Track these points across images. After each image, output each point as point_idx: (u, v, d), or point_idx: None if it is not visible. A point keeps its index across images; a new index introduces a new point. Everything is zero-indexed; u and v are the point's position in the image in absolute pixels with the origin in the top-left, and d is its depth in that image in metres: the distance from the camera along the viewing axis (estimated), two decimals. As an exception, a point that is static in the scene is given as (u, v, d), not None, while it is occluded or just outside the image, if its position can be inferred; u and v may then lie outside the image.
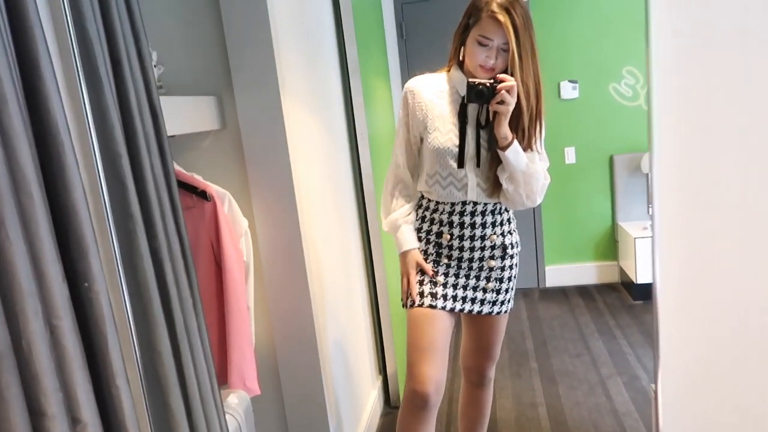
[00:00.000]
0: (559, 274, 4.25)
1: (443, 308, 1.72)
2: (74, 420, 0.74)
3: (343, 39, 2.45)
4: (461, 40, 1.65)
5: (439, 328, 1.71)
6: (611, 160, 4.02)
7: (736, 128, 1.43)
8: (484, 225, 1.72)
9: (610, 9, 3.80)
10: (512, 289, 1.82)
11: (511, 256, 1.77)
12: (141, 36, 1.04)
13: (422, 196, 1.80)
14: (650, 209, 1.52)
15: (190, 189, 1.61)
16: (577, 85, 3.96)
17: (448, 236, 1.73)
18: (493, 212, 1.73)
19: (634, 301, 3.83)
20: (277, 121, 1.71)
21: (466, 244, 1.73)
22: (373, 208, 2.60)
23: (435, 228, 1.75)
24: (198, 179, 1.64)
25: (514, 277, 1.81)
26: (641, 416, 2.50)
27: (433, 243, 1.76)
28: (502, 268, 1.76)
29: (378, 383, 2.78)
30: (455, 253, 1.74)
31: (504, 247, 1.75)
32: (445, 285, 1.74)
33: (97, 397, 0.78)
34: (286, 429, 1.90)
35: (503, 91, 1.53)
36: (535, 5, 3.81)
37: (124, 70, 0.96)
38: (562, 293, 4.13)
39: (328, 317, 2.05)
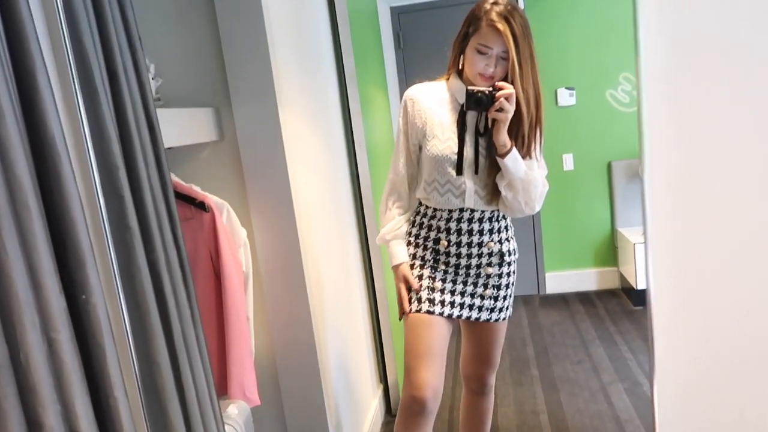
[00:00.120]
0: (559, 281, 4.25)
1: (441, 314, 1.72)
2: (72, 432, 0.74)
3: (341, 49, 2.46)
4: (460, 49, 1.66)
5: (437, 333, 1.71)
6: (609, 166, 4.03)
7: (727, 134, 1.44)
8: (481, 232, 1.73)
9: (606, 16, 3.82)
10: (510, 296, 1.82)
11: (509, 264, 1.78)
12: (137, 48, 1.04)
13: (420, 203, 1.80)
14: (643, 215, 1.52)
15: (188, 200, 1.62)
16: (574, 91, 3.97)
17: (446, 243, 1.73)
18: (490, 219, 1.73)
19: (635, 306, 3.82)
20: (274, 132, 1.71)
21: (464, 251, 1.73)
22: (372, 217, 2.61)
23: (433, 234, 1.76)
24: (196, 190, 1.64)
25: (512, 284, 1.81)
26: (643, 422, 2.49)
27: (431, 249, 1.76)
28: (500, 275, 1.77)
29: (379, 392, 2.77)
30: (452, 260, 1.74)
31: (501, 255, 1.76)
32: (442, 291, 1.74)
33: (95, 408, 0.78)
34: (286, 439, 1.89)
35: (502, 99, 1.54)
36: (531, 13, 3.83)
37: (121, 83, 0.97)
38: (563, 300, 4.12)
39: (328, 326, 2.05)
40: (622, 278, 4.07)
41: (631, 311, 3.78)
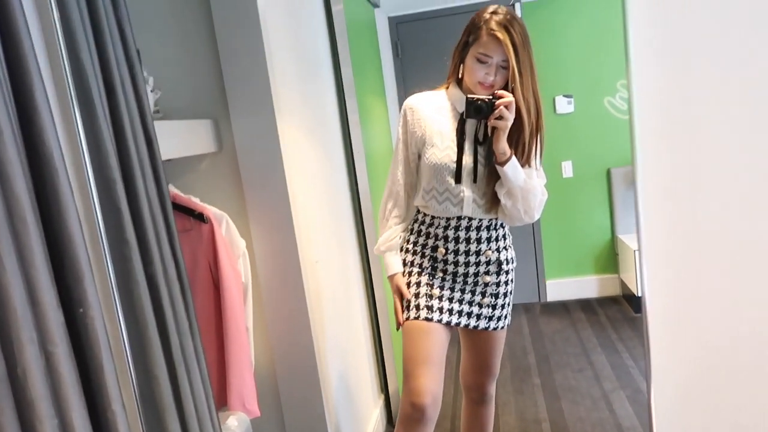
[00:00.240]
0: (559, 288, 4.24)
1: (439, 321, 1.72)
2: (70, 446, 0.74)
3: (339, 60, 2.47)
4: (460, 58, 1.67)
5: (435, 340, 1.71)
6: (608, 173, 4.03)
7: (718, 141, 1.45)
8: (479, 240, 1.73)
9: (602, 24, 3.84)
10: (509, 305, 1.82)
11: (506, 272, 1.78)
12: (135, 62, 1.05)
13: (418, 211, 1.81)
14: (636, 223, 1.53)
15: (187, 211, 1.62)
16: (572, 99, 3.98)
17: (443, 250, 1.74)
18: (488, 228, 1.74)
19: (636, 313, 3.82)
20: (273, 143, 1.72)
21: (461, 258, 1.73)
22: (372, 227, 2.61)
23: (431, 242, 1.76)
24: (195, 202, 1.65)
25: (510, 293, 1.81)
26: (645, 430, 2.48)
27: (428, 257, 1.77)
28: (497, 284, 1.77)
29: (380, 402, 2.76)
30: (450, 268, 1.75)
31: (499, 263, 1.76)
32: (440, 298, 1.74)
33: (93, 422, 0.79)
34: (287, 451, 1.89)
35: (502, 107, 1.55)
36: (529, 22, 3.85)
37: (118, 97, 0.98)
38: (564, 307, 4.11)
39: (328, 336, 2.05)
40: (623, 285, 4.06)
41: (632, 318, 3.77)
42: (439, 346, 1.72)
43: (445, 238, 1.74)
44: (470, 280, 1.75)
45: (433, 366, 1.69)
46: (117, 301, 0.94)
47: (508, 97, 1.56)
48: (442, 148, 1.69)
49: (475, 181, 1.68)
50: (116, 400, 0.82)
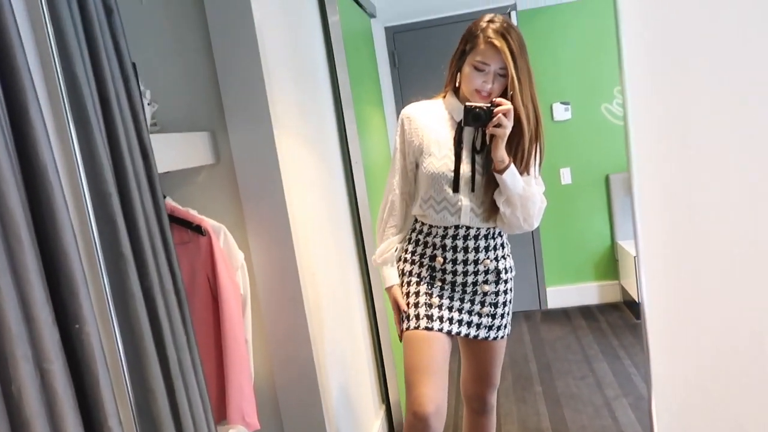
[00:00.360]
0: (560, 295, 4.23)
1: (440, 330, 1.71)
2: (66, 464, 0.74)
3: (336, 70, 2.48)
4: (457, 67, 1.67)
5: (436, 349, 1.69)
6: (607, 179, 4.04)
7: (714, 146, 1.45)
8: (477, 249, 1.72)
9: (598, 31, 3.85)
10: (508, 314, 1.81)
11: (506, 281, 1.77)
12: (130, 75, 1.05)
13: (416, 220, 1.80)
14: (634, 230, 1.52)
15: (185, 224, 1.62)
16: (569, 106, 3.99)
17: (441, 260, 1.73)
18: (486, 237, 1.73)
19: (637, 320, 3.80)
20: (270, 154, 1.72)
21: (459, 268, 1.73)
22: (371, 237, 2.60)
23: (428, 251, 1.75)
24: (193, 214, 1.64)
25: (510, 301, 1.81)
26: (649, 438, 2.46)
27: (427, 266, 1.76)
28: (497, 293, 1.76)
29: (381, 412, 2.74)
30: (449, 277, 1.74)
31: (498, 272, 1.75)
32: (440, 307, 1.73)
33: (89, 439, 0.78)
34: (287, 463, 1.87)
35: (500, 114, 1.55)
36: (525, 29, 3.85)
37: (113, 110, 0.98)
38: (564, 314, 4.10)
39: (328, 347, 2.04)
40: (624, 291, 4.05)
41: (633, 325, 3.76)
42: (441, 355, 1.70)
43: (443, 248, 1.73)
44: (469, 289, 1.74)
45: (435, 375, 1.67)
46: (113, 315, 0.93)
47: (507, 105, 1.56)
48: (440, 157, 1.69)
49: (473, 189, 1.68)
50: (113, 416, 0.82)
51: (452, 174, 1.67)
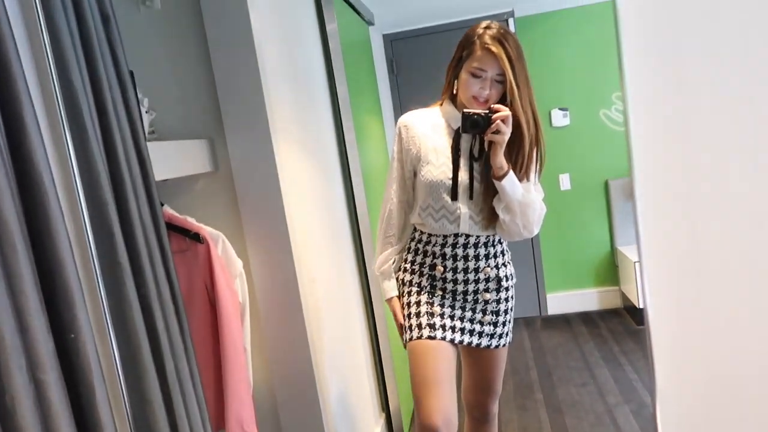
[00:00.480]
0: (560, 302, 4.22)
1: (442, 339, 1.69)
2: (61, 476, 0.72)
3: (334, 78, 2.48)
4: (454, 74, 1.67)
5: (441, 358, 1.67)
6: (606, 185, 4.03)
7: (717, 150, 1.44)
8: (477, 257, 1.71)
9: (596, 37, 3.86)
10: (510, 321, 1.80)
11: (506, 289, 1.76)
12: (127, 84, 1.05)
13: (415, 228, 1.80)
14: (636, 235, 1.51)
15: (183, 232, 1.61)
16: (567, 112, 4.00)
17: (441, 268, 1.72)
18: (486, 244, 1.72)
19: (638, 326, 3.79)
20: (268, 162, 1.71)
21: (460, 276, 1.72)
22: (370, 244, 2.60)
23: (428, 260, 1.74)
24: (191, 222, 1.64)
25: (511, 309, 1.79)
26: (651, 445, 2.45)
27: (427, 275, 1.75)
28: (498, 301, 1.75)
29: (381, 420, 2.72)
30: (449, 286, 1.73)
31: (498, 280, 1.74)
32: (442, 316, 1.72)
33: (84, 451, 0.77)
34: (287, 473, 1.86)
35: (498, 121, 1.54)
36: (523, 35, 3.88)
37: (110, 118, 0.97)
38: (565, 321, 4.09)
39: (327, 355, 2.02)
40: (624, 297, 4.04)
41: (634, 331, 3.74)
42: (446, 364, 1.68)
43: (443, 256, 1.72)
44: (470, 297, 1.73)
45: (442, 385, 1.64)
46: (110, 325, 0.92)
47: (505, 111, 1.55)
48: (438, 165, 1.68)
49: (471, 197, 1.67)
50: (109, 427, 0.80)
51: (450, 182, 1.66)
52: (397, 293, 1.81)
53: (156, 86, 1.70)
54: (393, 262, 1.83)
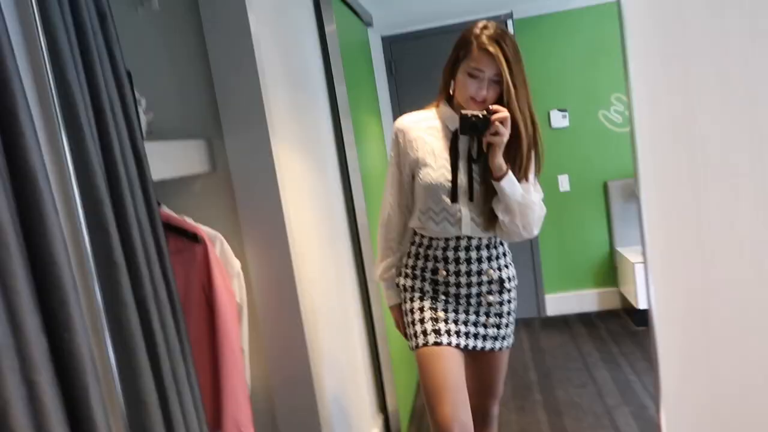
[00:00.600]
0: (559, 303, 4.21)
1: (449, 344, 1.68)
2: (54, 478, 0.72)
3: (333, 79, 2.47)
4: (451, 75, 1.66)
5: (450, 364, 1.65)
6: (605, 186, 4.03)
7: (722, 150, 1.43)
8: (479, 260, 1.70)
9: (595, 37, 3.86)
10: (512, 323, 1.79)
11: (509, 290, 1.75)
12: (124, 83, 1.04)
13: (415, 233, 1.78)
14: (641, 236, 1.50)
15: (180, 232, 1.60)
16: (566, 113, 3.99)
17: (444, 272, 1.71)
18: (488, 246, 1.71)
19: (637, 327, 3.78)
20: (266, 162, 1.71)
21: (463, 279, 1.70)
22: (368, 245, 2.59)
23: (430, 265, 1.73)
24: (188, 222, 1.63)
25: (514, 311, 1.79)
26: (650, 447, 2.44)
27: (429, 280, 1.74)
28: (501, 303, 1.74)
29: (379, 421, 2.72)
30: (452, 290, 1.72)
31: (501, 282, 1.73)
32: (446, 321, 1.70)
33: (79, 452, 0.76)
34: (285, 475, 1.85)
35: (497, 122, 1.53)
36: (521, 37, 3.87)
37: (107, 117, 0.97)
38: (564, 322, 4.08)
39: (325, 356, 2.02)
40: (623, 298, 4.03)
41: (633, 332, 3.74)
42: (456, 369, 1.66)
43: (445, 260, 1.71)
44: (473, 301, 1.72)
45: (453, 391, 1.62)
46: (105, 325, 0.91)
47: (504, 112, 1.54)
48: (436, 167, 1.67)
49: (471, 199, 1.66)
50: (103, 428, 0.80)
51: (449, 184, 1.65)
52: (398, 300, 1.81)
53: (154, 86, 1.70)
54: (394, 269, 1.82)
